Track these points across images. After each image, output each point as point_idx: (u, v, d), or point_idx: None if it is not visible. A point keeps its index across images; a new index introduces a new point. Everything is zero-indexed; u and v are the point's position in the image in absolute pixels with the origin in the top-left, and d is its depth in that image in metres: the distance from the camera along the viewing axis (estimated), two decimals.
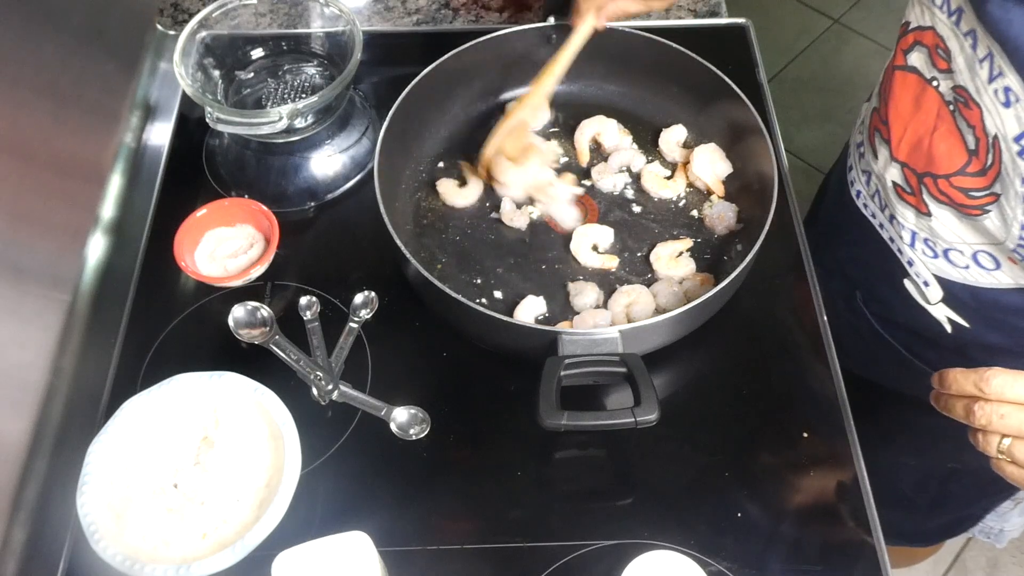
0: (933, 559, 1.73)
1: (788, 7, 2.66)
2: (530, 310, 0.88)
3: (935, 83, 0.77)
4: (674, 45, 0.98)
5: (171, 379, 0.79)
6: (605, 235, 0.93)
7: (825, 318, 0.90)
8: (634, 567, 0.67)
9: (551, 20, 0.99)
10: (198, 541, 0.73)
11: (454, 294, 0.80)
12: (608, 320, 0.86)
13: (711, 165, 0.96)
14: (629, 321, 0.86)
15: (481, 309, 0.80)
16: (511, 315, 0.87)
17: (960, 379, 0.65)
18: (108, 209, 0.97)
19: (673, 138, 1.00)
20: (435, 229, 0.96)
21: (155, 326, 0.90)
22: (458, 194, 0.96)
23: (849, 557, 0.77)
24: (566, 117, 1.04)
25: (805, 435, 0.83)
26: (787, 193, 0.98)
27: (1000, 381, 0.63)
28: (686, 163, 0.98)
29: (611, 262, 0.91)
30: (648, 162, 0.99)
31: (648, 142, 1.02)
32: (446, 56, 0.97)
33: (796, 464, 0.82)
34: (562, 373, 0.74)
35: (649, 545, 0.76)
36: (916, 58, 0.79)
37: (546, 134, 1.03)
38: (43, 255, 0.83)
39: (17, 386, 0.78)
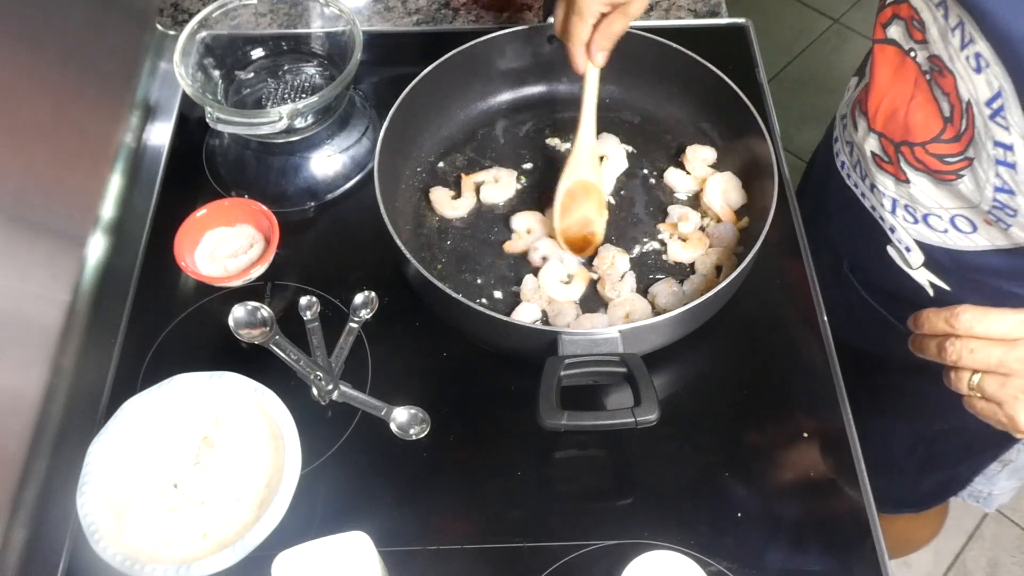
0: (934, 560, 1.73)
1: (788, 7, 2.66)
2: (527, 314, 0.88)
3: (912, 54, 0.79)
4: (674, 45, 0.98)
5: (171, 379, 0.79)
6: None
7: (825, 318, 0.90)
8: (634, 567, 0.67)
9: (551, 20, 0.99)
10: (198, 541, 0.73)
11: (454, 294, 0.80)
12: (607, 323, 0.86)
13: (724, 195, 0.95)
14: None
15: (481, 309, 0.80)
16: (511, 315, 0.87)
17: (932, 318, 0.68)
18: (108, 209, 0.97)
19: (700, 156, 0.98)
20: (435, 229, 0.96)
21: (155, 326, 0.90)
22: (450, 205, 0.96)
23: (849, 557, 0.77)
24: (566, 115, 1.04)
25: (805, 435, 0.83)
26: (787, 193, 0.98)
27: (969, 317, 0.65)
28: (700, 190, 0.97)
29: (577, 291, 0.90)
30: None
31: (648, 144, 1.02)
32: (446, 56, 0.97)
33: (796, 464, 0.82)
34: (562, 373, 0.74)
35: (649, 545, 0.76)
36: (894, 31, 0.81)
37: (544, 127, 1.03)
38: (43, 255, 0.83)
39: (17, 386, 0.78)
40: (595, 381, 0.79)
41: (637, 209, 0.97)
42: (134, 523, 0.74)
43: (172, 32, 1.13)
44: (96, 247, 0.93)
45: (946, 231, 0.83)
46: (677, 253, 0.92)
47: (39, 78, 0.83)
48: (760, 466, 0.83)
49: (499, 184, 0.98)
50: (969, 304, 0.66)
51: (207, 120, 0.91)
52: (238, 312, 0.85)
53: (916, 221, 0.86)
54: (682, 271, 0.92)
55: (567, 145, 1.02)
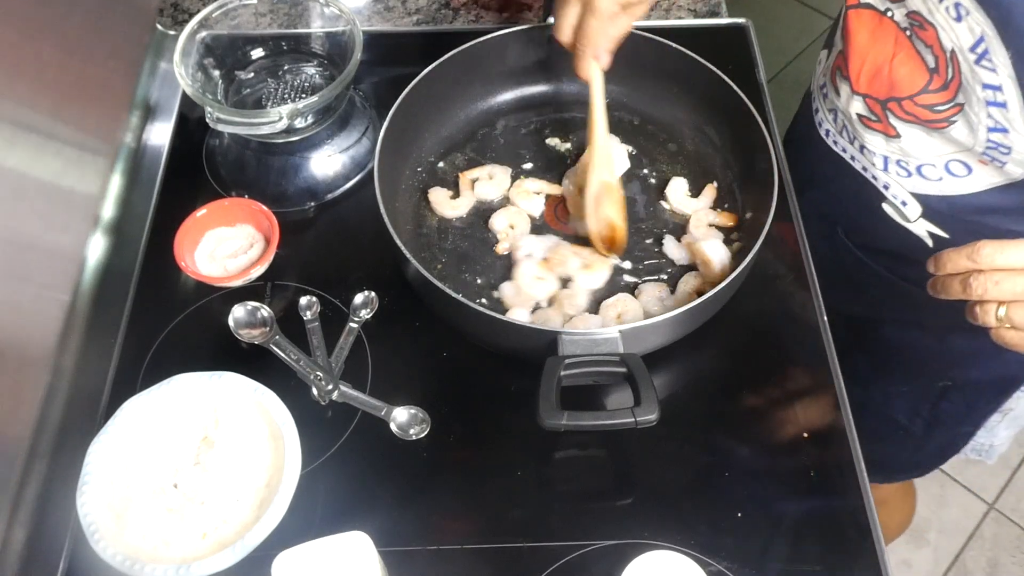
0: (933, 559, 1.73)
1: (788, 7, 2.66)
2: (519, 316, 0.88)
3: (889, 13, 0.82)
4: (674, 45, 0.98)
5: (171, 379, 0.79)
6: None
7: (826, 318, 0.90)
8: (634, 567, 0.67)
9: (551, 20, 0.99)
10: (198, 541, 0.73)
11: (454, 294, 0.80)
12: (599, 324, 0.86)
13: (706, 226, 0.95)
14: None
15: (481, 309, 0.80)
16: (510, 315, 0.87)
17: (954, 256, 0.68)
18: (108, 209, 0.97)
19: (680, 189, 0.98)
20: (435, 229, 0.96)
21: (155, 326, 0.90)
22: (449, 205, 0.96)
23: (849, 557, 0.77)
24: (565, 116, 1.04)
25: (805, 435, 0.83)
26: (787, 193, 0.98)
27: (990, 250, 0.66)
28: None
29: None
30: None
31: (648, 144, 1.02)
32: (446, 56, 0.97)
33: (796, 464, 0.82)
34: (562, 373, 0.74)
35: (649, 545, 0.76)
36: None
37: (543, 135, 1.03)
38: (43, 255, 0.83)
39: (17, 386, 0.78)
40: (595, 381, 0.79)
41: (637, 209, 0.97)
42: (134, 523, 0.74)
43: (172, 32, 1.13)
44: (96, 247, 0.93)
45: (941, 179, 0.85)
46: (672, 251, 0.93)
47: (39, 78, 0.83)
48: (760, 466, 0.83)
49: (493, 181, 0.97)
50: (987, 239, 0.67)
51: (207, 120, 0.91)
52: (238, 312, 0.85)
53: (910, 174, 0.87)
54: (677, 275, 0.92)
55: (567, 145, 1.02)
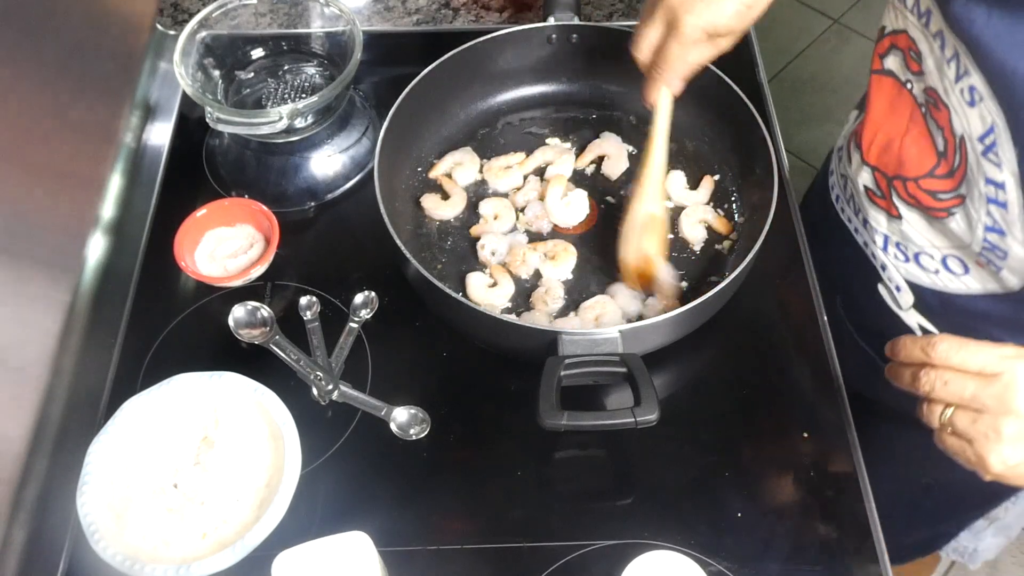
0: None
1: (788, 7, 2.66)
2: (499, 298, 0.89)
3: (909, 85, 0.78)
4: None
5: (171, 379, 0.79)
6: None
7: (825, 318, 0.90)
8: (634, 567, 0.67)
9: (551, 20, 0.99)
10: (198, 541, 0.73)
11: (454, 294, 0.80)
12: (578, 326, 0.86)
13: (697, 220, 0.95)
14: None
15: (481, 309, 0.80)
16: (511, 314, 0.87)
17: (909, 345, 0.66)
18: (108, 209, 0.97)
19: (679, 183, 0.98)
20: (435, 229, 0.95)
21: (155, 326, 0.90)
22: (441, 207, 0.96)
23: (849, 557, 0.77)
24: (566, 115, 1.04)
25: (805, 435, 0.83)
26: (787, 193, 0.98)
27: (946, 347, 0.63)
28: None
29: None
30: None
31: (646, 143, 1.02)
32: (446, 56, 0.97)
33: (796, 464, 0.82)
34: (562, 373, 0.74)
35: (649, 545, 0.76)
36: (892, 62, 0.80)
37: (543, 136, 1.03)
38: (43, 255, 0.83)
39: (17, 386, 0.78)
40: (595, 381, 0.79)
41: None
42: (134, 523, 0.74)
43: (172, 32, 1.13)
44: (96, 247, 0.93)
45: (937, 272, 0.81)
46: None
47: (39, 78, 0.83)
48: (760, 466, 0.83)
49: (464, 166, 0.98)
50: (947, 335, 0.64)
51: (207, 120, 0.91)
52: (238, 312, 0.85)
53: (907, 260, 0.84)
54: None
55: (567, 145, 1.02)
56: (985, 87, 0.67)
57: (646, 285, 0.88)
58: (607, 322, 0.86)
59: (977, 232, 0.74)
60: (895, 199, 0.82)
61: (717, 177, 0.98)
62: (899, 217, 0.82)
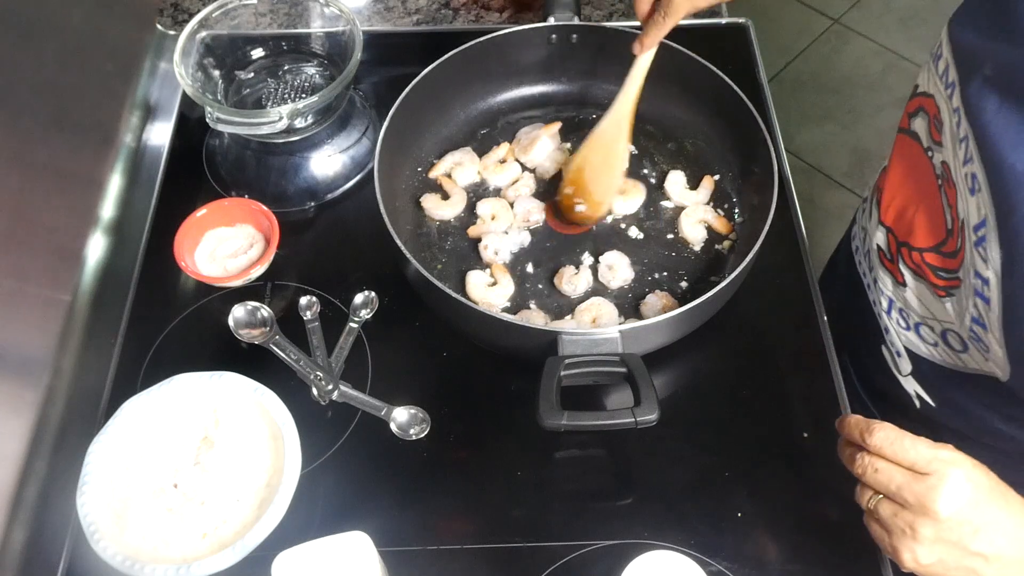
0: None
1: (788, 7, 2.66)
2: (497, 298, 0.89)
3: (930, 154, 0.76)
4: (674, 45, 0.97)
5: (171, 379, 0.79)
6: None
7: (825, 318, 0.90)
8: (634, 567, 0.67)
9: (551, 20, 0.99)
10: (198, 541, 0.73)
11: (454, 294, 0.80)
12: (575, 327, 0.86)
13: (696, 220, 0.95)
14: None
15: (481, 309, 0.80)
16: (511, 314, 0.87)
17: (852, 425, 0.66)
18: (108, 209, 0.97)
19: (679, 182, 0.98)
20: (435, 229, 0.96)
21: (155, 326, 0.90)
22: (442, 207, 0.96)
23: (849, 557, 0.77)
24: (566, 115, 1.04)
25: (805, 435, 0.83)
26: (787, 193, 0.98)
27: (883, 436, 0.63)
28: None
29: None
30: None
31: (648, 144, 1.02)
32: (446, 56, 0.97)
33: (796, 464, 0.82)
34: (562, 373, 0.74)
35: (649, 545, 0.76)
36: (919, 124, 0.78)
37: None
38: (43, 255, 0.83)
39: (17, 386, 0.78)
40: (595, 381, 0.79)
41: (638, 208, 0.97)
42: (134, 523, 0.74)
43: (172, 32, 1.13)
44: (96, 247, 0.93)
45: (936, 344, 0.80)
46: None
47: (39, 78, 0.83)
48: (760, 466, 0.83)
49: (463, 165, 0.98)
50: (890, 424, 0.64)
51: (207, 120, 0.91)
52: (238, 312, 0.85)
53: (908, 328, 0.83)
54: (675, 278, 0.92)
55: (567, 145, 1.02)
56: (984, 178, 0.65)
57: (572, 214, 0.93)
58: (605, 323, 0.86)
59: (965, 320, 0.72)
60: (902, 265, 0.81)
61: (717, 177, 0.98)
62: (904, 284, 0.81)
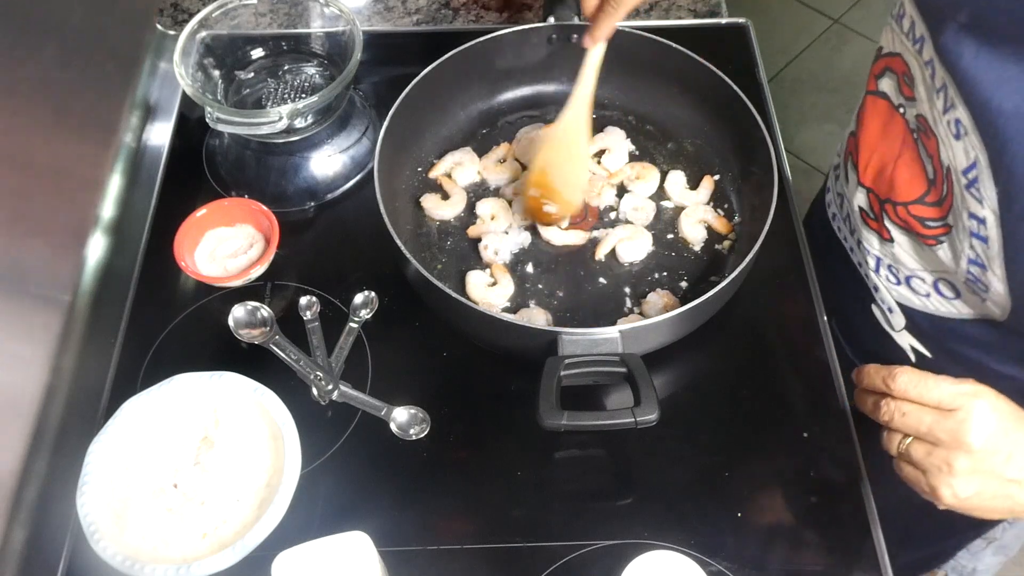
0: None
1: (788, 7, 2.66)
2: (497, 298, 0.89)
3: (902, 110, 0.78)
4: (674, 45, 0.98)
5: (171, 379, 0.79)
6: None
7: (825, 318, 0.90)
8: (634, 567, 0.67)
9: (551, 20, 0.99)
10: (198, 541, 0.73)
11: (454, 294, 0.80)
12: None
13: (696, 220, 0.95)
14: None
15: (481, 309, 0.80)
16: (511, 314, 0.87)
17: (872, 373, 0.67)
18: (108, 209, 0.97)
19: (679, 182, 0.98)
20: (435, 229, 0.95)
21: (155, 326, 0.90)
22: (441, 207, 0.96)
23: (849, 557, 0.77)
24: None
25: (805, 435, 0.83)
26: (787, 193, 0.98)
27: (906, 379, 0.64)
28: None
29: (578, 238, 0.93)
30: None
31: (647, 143, 1.02)
32: (446, 56, 0.97)
33: (796, 464, 0.82)
34: (562, 373, 0.74)
35: (649, 545, 0.76)
36: (886, 84, 0.80)
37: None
38: (43, 255, 0.83)
39: (17, 386, 0.78)
40: (595, 381, 0.79)
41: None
42: (134, 523, 0.74)
43: (172, 32, 1.13)
44: (96, 247, 0.93)
45: (928, 295, 0.82)
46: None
47: (39, 78, 0.83)
48: (760, 466, 0.83)
49: (464, 165, 0.98)
50: (909, 367, 0.65)
51: (207, 120, 0.91)
52: (238, 312, 0.85)
53: (899, 282, 0.84)
54: (674, 277, 0.92)
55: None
56: (970, 122, 0.67)
57: (543, 220, 0.92)
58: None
59: (961, 263, 0.74)
60: (887, 222, 0.82)
61: (717, 177, 0.98)
62: (891, 240, 0.82)
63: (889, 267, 0.84)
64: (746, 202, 0.95)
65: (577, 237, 0.93)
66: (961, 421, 0.62)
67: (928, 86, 0.72)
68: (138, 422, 0.78)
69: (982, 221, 0.69)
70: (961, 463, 0.62)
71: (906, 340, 0.87)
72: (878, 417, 0.66)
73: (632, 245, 0.92)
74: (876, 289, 0.87)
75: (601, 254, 0.92)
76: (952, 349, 0.83)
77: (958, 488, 0.63)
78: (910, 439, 0.65)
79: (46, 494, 0.78)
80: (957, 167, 0.70)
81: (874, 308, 0.89)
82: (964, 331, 0.80)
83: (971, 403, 0.62)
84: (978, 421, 0.62)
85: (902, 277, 0.83)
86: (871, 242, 0.86)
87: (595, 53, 0.88)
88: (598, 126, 1.03)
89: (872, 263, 0.86)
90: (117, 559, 0.70)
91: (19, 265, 0.78)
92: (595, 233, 0.94)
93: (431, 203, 0.96)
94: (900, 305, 0.85)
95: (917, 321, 0.85)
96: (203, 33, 0.99)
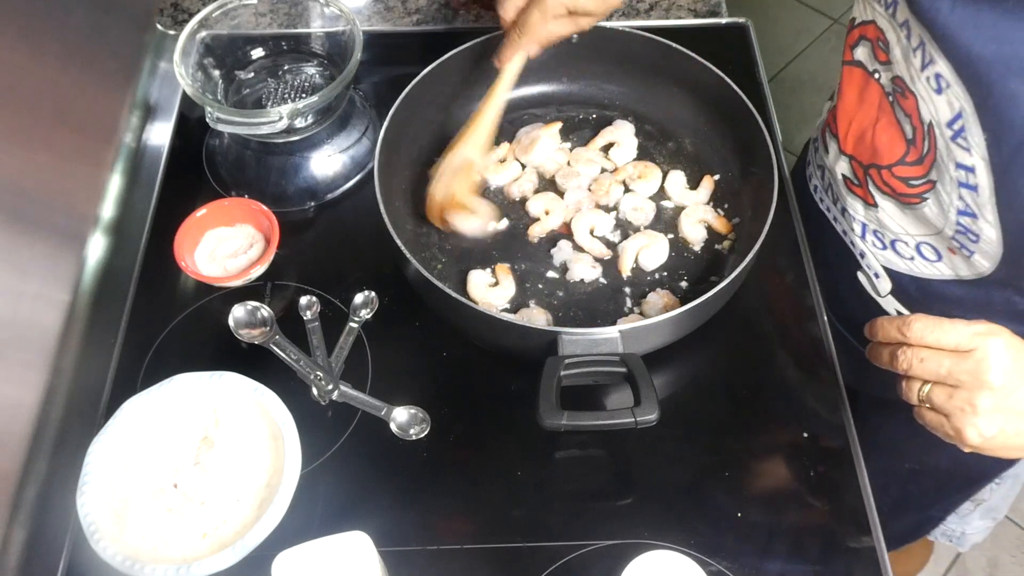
0: (933, 559, 1.73)
1: (788, 7, 2.66)
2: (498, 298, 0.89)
3: (876, 75, 0.79)
4: (674, 45, 0.98)
5: (171, 379, 0.79)
6: (605, 221, 0.94)
7: (825, 318, 0.91)
8: (634, 567, 0.67)
9: None
10: (198, 541, 0.73)
11: (454, 294, 0.80)
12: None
13: (696, 220, 0.95)
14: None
15: (481, 309, 0.80)
16: (511, 314, 0.87)
17: (886, 325, 0.68)
18: (108, 209, 0.97)
19: (679, 182, 0.98)
20: (435, 229, 0.95)
21: (155, 326, 0.90)
22: (470, 221, 0.93)
23: (849, 557, 0.77)
24: (566, 115, 1.04)
25: (805, 435, 0.83)
26: (787, 193, 0.98)
27: (920, 326, 0.65)
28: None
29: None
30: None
31: (647, 143, 1.02)
32: (446, 56, 0.97)
33: (796, 464, 0.82)
34: (562, 373, 0.74)
35: (649, 545, 0.76)
36: (861, 52, 0.82)
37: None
38: (43, 255, 0.83)
39: (17, 386, 0.78)
40: (595, 381, 0.79)
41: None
42: (134, 523, 0.74)
43: (172, 32, 1.13)
44: (96, 247, 0.93)
45: (912, 258, 0.83)
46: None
47: (39, 78, 0.83)
48: (760, 466, 0.83)
49: None
50: (922, 314, 0.66)
51: (207, 120, 0.91)
52: (238, 312, 0.85)
53: (884, 247, 0.86)
54: (675, 277, 0.92)
55: (567, 144, 1.02)
56: (952, 74, 0.68)
57: (447, 224, 0.91)
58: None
59: (950, 216, 0.75)
60: (871, 187, 0.84)
61: (717, 177, 0.98)
62: (875, 205, 0.84)
63: (875, 232, 0.86)
64: (746, 202, 0.95)
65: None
66: (979, 360, 0.63)
67: (904, 47, 0.73)
68: (138, 422, 0.78)
69: (971, 170, 0.71)
70: (984, 402, 0.63)
71: (892, 305, 0.89)
72: (896, 367, 0.67)
73: (652, 252, 0.91)
74: (863, 255, 0.89)
75: (626, 268, 0.91)
76: (938, 310, 0.83)
77: (983, 427, 0.64)
78: (929, 385, 0.66)
79: (46, 494, 0.78)
80: (941, 120, 0.71)
81: (860, 275, 0.90)
82: (949, 291, 0.82)
83: (987, 342, 0.63)
84: (996, 359, 0.63)
85: (887, 241, 0.85)
86: (856, 209, 0.87)
87: (506, 73, 0.89)
88: (600, 125, 1.03)
89: (858, 229, 0.88)
90: (117, 559, 0.70)
91: (19, 265, 0.78)
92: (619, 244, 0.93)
93: (460, 222, 0.93)
94: (886, 270, 0.87)
95: (903, 285, 0.86)
96: (203, 33, 0.99)
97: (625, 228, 0.95)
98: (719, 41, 1.14)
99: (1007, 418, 0.64)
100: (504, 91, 0.90)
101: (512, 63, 0.89)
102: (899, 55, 0.75)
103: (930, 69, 0.70)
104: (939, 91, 0.70)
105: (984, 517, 1.22)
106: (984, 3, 0.64)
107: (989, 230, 0.73)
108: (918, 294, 0.85)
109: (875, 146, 0.81)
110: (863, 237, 0.88)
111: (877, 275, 0.88)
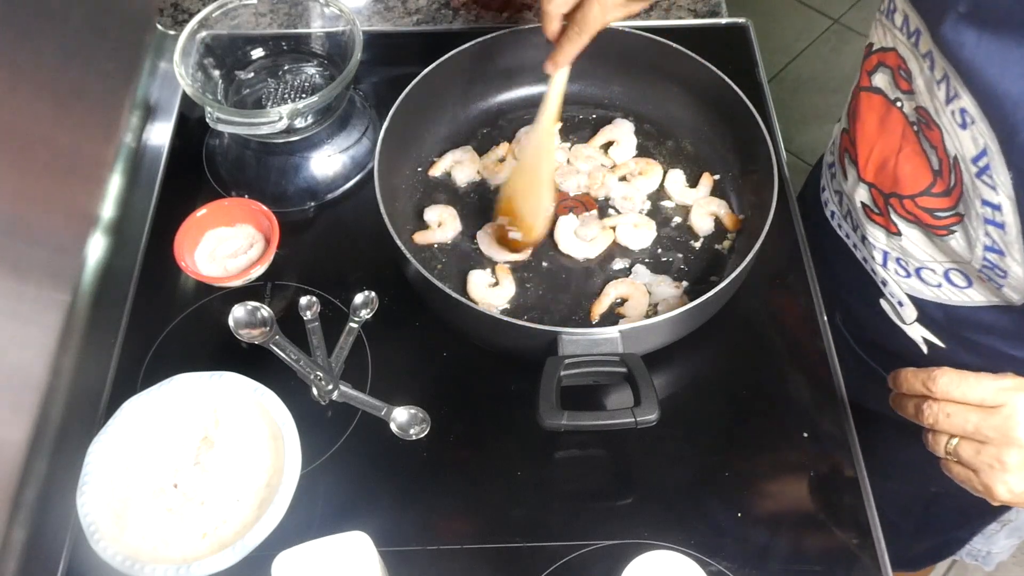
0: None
1: (788, 7, 2.66)
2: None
3: (899, 104, 0.77)
4: (674, 45, 0.98)
5: (171, 379, 0.79)
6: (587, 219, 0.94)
7: (825, 318, 0.90)
8: (634, 567, 0.67)
9: None
10: (198, 541, 0.73)
11: (454, 294, 0.80)
12: None
13: (707, 212, 0.95)
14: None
15: (481, 309, 0.80)
16: (511, 315, 0.87)
17: (910, 378, 0.67)
18: (108, 209, 0.97)
19: (679, 181, 0.98)
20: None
21: (155, 326, 0.90)
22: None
23: (849, 557, 0.77)
24: (565, 115, 1.04)
25: (805, 435, 0.83)
26: (787, 193, 0.98)
27: (946, 380, 0.64)
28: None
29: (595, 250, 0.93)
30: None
31: (647, 143, 1.02)
32: (446, 56, 0.97)
33: (796, 464, 0.82)
34: (562, 373, 0.74)
35: (649, 545, 0.76)
36: (880, 79, 0.80)
37: None
38: (43, 255, 0.83)
39: (17, 386, 0.78)
40: (595, 381, 0.79)
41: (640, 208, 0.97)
42: (134, 523, 0.74)
43: (172, 32, 1.13)
44: (96, 247, 0.93)
45: (940, 285, 0.81)
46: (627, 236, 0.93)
47: (39, 78, 0.83)
48: (760, 466, 0.83)
49: (463, 164, 0.98)
50: (948, 367, 0.65)
51: (207, 120, 0.91)
52: (238, 312, 0.85)
53: (909, 275, 0.83)
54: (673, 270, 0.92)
55: (567, 144, 1.02)
56: (976, 110, 0.66)
57: (508, 242, 0.91)
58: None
59: (976, 251, 0.73)
60: (893, 216, 0.81)
61: (717, 176, 0.98)
62: (898, 234, 0.82)
63: (898, 260, 0.84)
64: (746, 202, 0.95)
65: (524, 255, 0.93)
66: (1007, 417, 0.62)
67: (928, 78, 0.71)
68: (138, 422, 0.78)
69: (997, 208, 0.69)
70: (1012, 458, 0.62)
71: (918, 332, 0.86)
72: (922, 420, 0.66)
73: (637, 233, 0.92)
74: (884, 283, 0.87)
75: (598, 315, 0.89)
76: (966, 338, 0.82)
77: (1013, 484, 0.63)
78: (956, 439, 0.65)
79: (46, 494, 0.78)
80: (966, 156, 0.69)
81: (882, 302, 0.88)
82: (978, 318, 0.80)
83: (1015, 397, 0.62)
84: None
85: (912, 269, 0.83)
86: (877, 237, 0.85)
87: (558, 78, 0.87)
88: (600, 124, 1.03)
89: (879, 257, 0.86)
90: (117, 559, 0.70)
91: (19, 265, 0.78)
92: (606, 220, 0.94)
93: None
94: (911, 297, 0.84)
95: (929, 312, 0.84)
96: (203, 33, 0.99)
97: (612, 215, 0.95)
98: (719, 41, 1.14)
99: None
100: (561, 95, 0.87)
101: (562, 73, 0.86)
102: (922, 86, 0.72)
103: (955, 103, 0.68)
104: (964, 126, 0.68)
105: (1011, 536, 1.20)
106: (1011, 39, 0.62)
107: (1016, 268, 0.71)
108: (946, 322, 0.83)
109: (897, 175, 0.79)
110: (884, 265, 0.86)
111: (901, 303, 0.86)
